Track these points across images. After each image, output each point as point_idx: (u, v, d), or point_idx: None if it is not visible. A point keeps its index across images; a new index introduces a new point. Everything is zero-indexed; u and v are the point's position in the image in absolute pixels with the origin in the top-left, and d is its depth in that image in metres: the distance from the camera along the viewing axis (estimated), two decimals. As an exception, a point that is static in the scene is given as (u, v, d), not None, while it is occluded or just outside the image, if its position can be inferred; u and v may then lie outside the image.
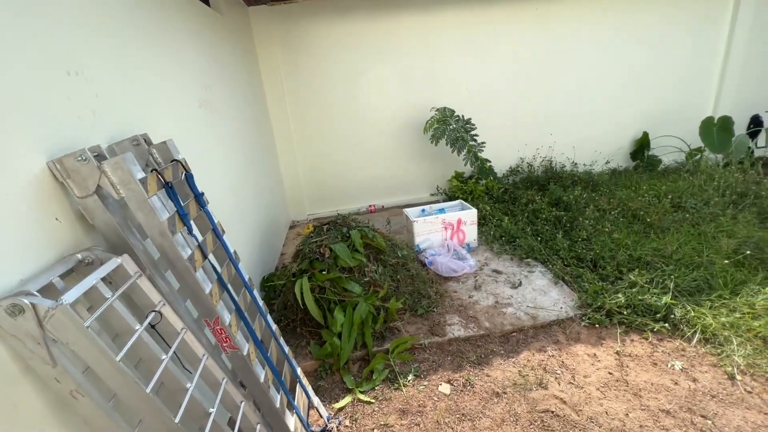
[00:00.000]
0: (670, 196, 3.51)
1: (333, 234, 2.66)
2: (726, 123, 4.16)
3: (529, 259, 3.06)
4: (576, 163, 5.03)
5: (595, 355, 2.05)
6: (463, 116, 4.31)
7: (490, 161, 4.48)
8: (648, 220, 3.13)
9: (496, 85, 4.61)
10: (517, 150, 4.95)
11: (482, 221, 3.81)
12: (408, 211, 3.54)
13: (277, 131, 4.34)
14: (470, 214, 3.32)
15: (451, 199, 4.62)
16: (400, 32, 4.23)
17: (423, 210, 3.58)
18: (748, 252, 2.48)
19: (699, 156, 4.74)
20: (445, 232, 3.32)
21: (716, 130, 4.19)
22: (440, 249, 3.22)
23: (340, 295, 2.34)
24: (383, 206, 4.82)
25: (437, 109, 4.24)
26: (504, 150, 4.90)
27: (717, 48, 4.86)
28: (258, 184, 3.33)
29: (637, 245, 2.81)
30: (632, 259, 2.68)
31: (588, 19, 4.51)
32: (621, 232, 3.01)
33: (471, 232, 3.37)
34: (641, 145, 5.01)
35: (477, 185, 4.48)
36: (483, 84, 4.58)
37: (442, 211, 3.50)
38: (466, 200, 4.42)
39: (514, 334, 2.27)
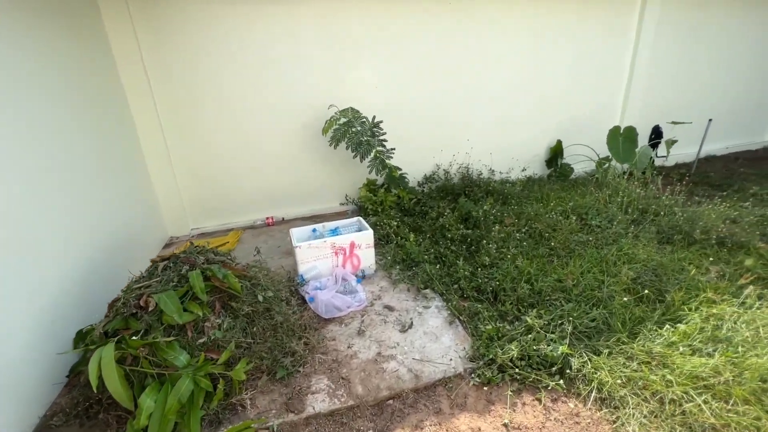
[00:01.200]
0: (576, 214, 3.34)
1: (168, 275, 2.02)
2: (630, 133, 4.15)
3: (427, 290, 2.66)
4: (493, 171, 4.82)
5: (479, 429, 1.67)
6: (372, 119, 3.82)
7: (401, 169, 4.06)
8: (552, 243, 2.89)
9: (411, 86, 4.19)
10: (433, 156, 4.60)
11: (386, 239, 3.37)
12: (294, 231, 2.98)
13: (141, 128, 3.50)
14: (365, 237, 2.85)
15: (360, 209, 4.15)
16: (299, 20, 3.60)
17: (314, 230, 3.04)
18: (646, 291, 2.29)
19: (607, 165, 4.76)
20: (335, 257, 2.81)
21: (622, 140, 4.18)
22: (327, 279, 2.71)
23: (161, 365, 1.72)
24: (283, 218, 4.20)
25: (341, 110, 3.70)
26: (419, 156, 4.52)
27: (624, 60, 4.91)
28: (86, 194, 2.54)
29: (539, 274, 2.53)
30: (533, 292, 2.39)
31: (506, 22, 4.25)
32: (525, 258, 2.73)
33: (367, 257, 2.91)
34: (555, 153, 4.93)
35: (388, 195, 4.04)
36: (396, 84, 4.13)
37: (335, 231, 2.99)
38: (376, 212, 3.98)
39: (391, 401, 1.83)
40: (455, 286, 2.61)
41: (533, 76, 4.60)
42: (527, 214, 3.31)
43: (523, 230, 3.10)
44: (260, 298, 2.09)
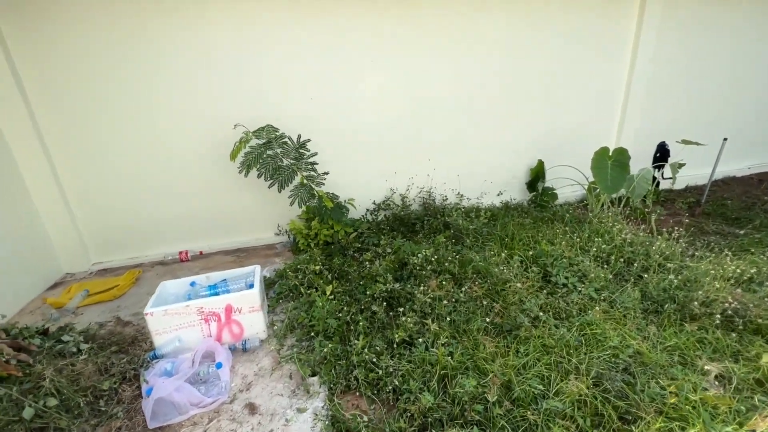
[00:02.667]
0: (539, 265, 2.59)
1: None
2: (621, 156, 3.37)
3: (314, 378, 1.97)
4: (461, 195, 4.09)
5: None
6: (297, 138, 3.16)
7: (338, 197, 3.38)
8: (495, 313, 2.16)
9: (357, 98, 3.51)
10: (386, 180, 3.90)
11: (296, 291, 2.69)
12: (166, 285, 2.34)
13: (15, 145, 2.93)
14: (248, 298, 2.18)
15: (295, 242, 3.49)
16: (208, 21, 2.98)
17: (192, 284, 2.40)
18: (607, 409, 1.54)
19: (598, 191, 3.98)
20: (206, 325, 2.15)
21: (611, 164, 3.39)
22: (183, 360, 2.04)
23: None
24: (201, 252, 3.57)
25: (254, 131, 3.04)
26: (370, 179, 3.84)
27: (620, 72, 4.12)
28: None
29: (460, 369, 1.80)
30: (442, 403, 1.67)
31: (476, 20, 3.54)
32: (450, 337, 2.01)
33: (253, 323, 2.23)
34: (536, 176, 4.17)
35: (323, 228, 3.37)
36: (337, 98, 3.46)
37: (213, 288, 2.33)
38: (308, 246, 3.32)
39: None
40: (353, 374, 1.92)
41: (508, 86, 3.86)
42: (475, 264, 2.58)
43: (462, 290, 2.37)
44: (27, 414, 1.45)
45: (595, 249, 2.64)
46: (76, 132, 3.06)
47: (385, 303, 2.41)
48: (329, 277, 2.80)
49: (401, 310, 2.22)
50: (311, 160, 3.19)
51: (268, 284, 2.90)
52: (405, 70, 3.53)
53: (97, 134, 3.10)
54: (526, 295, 2.28)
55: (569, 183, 4.26)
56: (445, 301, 2.22)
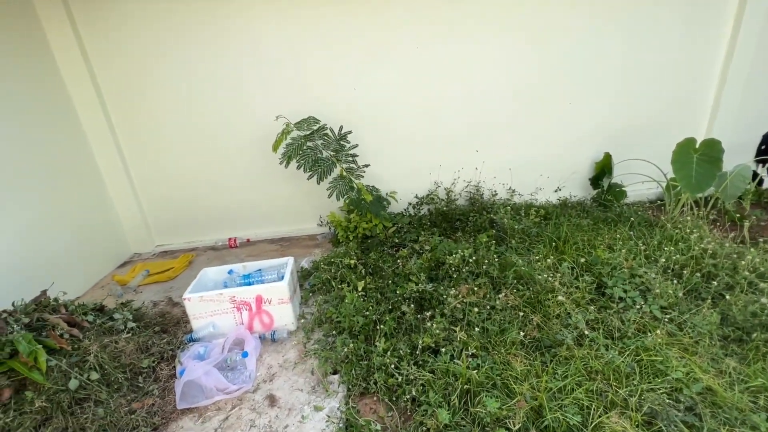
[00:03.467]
0: (593, 274, 2.28)
1: (-33, 345, 1.62)
2: (712, 149, 2.83)
3: (335, 377, 1.94)
4: (513, 190, 3.79)
5: None
6: (339, 129, 3.13)
7: (378, 189, 3.31)
8: (534, 326, 1.94)
9: (401, 87, 3.38)
10: (429, 172, 3.73)
11: (328, 285, 2.68)
12: (207, 271, 2.46)
13: (95, 142, 3.29)
14: (277, 290, 2.21)
15: (335, 235, 3.51)
16: (256, 16, 3.05)
17: (230, 271, 2.49)
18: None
19: (678, 189, 3.42)
20: (238, 313, 2.23)
21: (697, 159, 2.87)
22: (215, 345, 2.13)
23: None
24: (248, 239, 3.73)
25: (296, 122, 3.06)
26: (412, 172, 3.70)
27: (716, 43, 3.45)
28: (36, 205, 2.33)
29: (486, 385, 1.64)
30: (454, 428, 1.53)
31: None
32: (480, 348, 1.85)
33: (282, 315, 2.27)
34: (602, 171, 3.71)
35: (362, 221, 3.34)
36: (380, 88, 3.35)
37: (248, 278, 2.40)
38: (346, 239, 3.31)
39: None
40: (373, 377, 1.85)
41: (569, 68, 3.44)
42: (518, 268, 2.35)
43: (499, 297, 2.17)
44: (72, 384, 1.60)
45: (664, 259, 2.26)
46: (142, 128, 3.35)
47: (414, 304, 2.30)
48: (363, 272, 2.75)
49: (429, 314, 2.09)
50: (352, 151, 3.15)
51: (304, 275, 2.94)
52: (454, 56, 3.30)
53: (160, 130, 3.36)
54: (573, 308, 2.02)
55: (642, 179, 3.72)
56: (477, 308, 2.04)
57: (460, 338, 1.89)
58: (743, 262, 2.14)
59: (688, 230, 2.55)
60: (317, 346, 2.16)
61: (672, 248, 2.33)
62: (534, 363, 1.75)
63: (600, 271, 2.28)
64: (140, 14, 3.02)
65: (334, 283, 2.61)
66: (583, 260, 2.32)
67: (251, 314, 2.24)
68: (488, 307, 2.12)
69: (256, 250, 3.56)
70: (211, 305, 2.18)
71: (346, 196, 3.08)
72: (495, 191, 3.80)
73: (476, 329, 1.93)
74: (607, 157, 3.64)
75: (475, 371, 1.69)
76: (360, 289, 2.53)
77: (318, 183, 3.01)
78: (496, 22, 3.23)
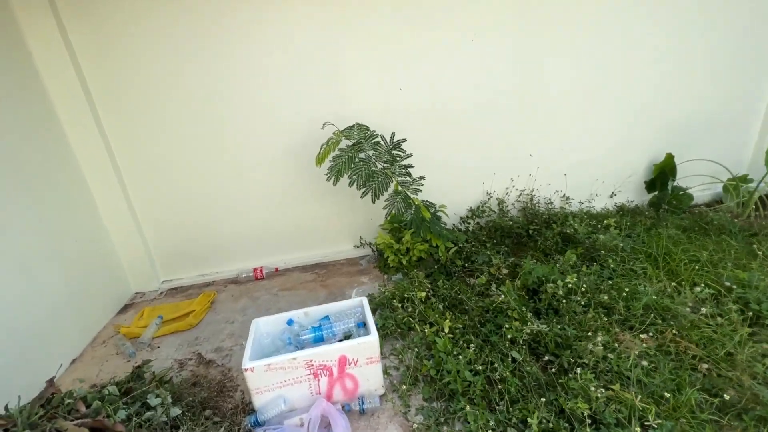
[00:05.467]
0: (732, 298, 1.93)
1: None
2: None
3: (469, 466, 1.46)
4: (568, 198, 3.43)
5: None
6: (391, 137, 2.65)
7: (434, 205, 2.85)
8: (702, 375, 1.54)
9: (448, 88, 2.95)
10: (482, 182, 3.32)
11: (402, 327, 2.18)
12: (259, 324, 1.91)
13: (83, 158, 2.64)
14: (366, 347, 1.70)
15: (382, 257, 3.01)
16: (286, 3, 2.53)
17: (289, 322, 1.95)
18: None
19: (745, 186, 3.19)
20: (315, 381, 1.70)
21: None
22: (292, 427, 1.60)
23: None
24: (277, 269, 3.16)
25: (341, 130, 2.56)
26: (462, 182, 3.28)
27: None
28: None
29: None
30: None
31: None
32: (657, 420, 1.43)
33: (371, 376, 1.76)
34: (662, 172, 3.42)
35: (416, 242, 2.86)
36: (425, 88, 2.91)
37: (317, 331, 1.87)
38: (399, 268, 2.83)
39: None
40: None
41: (625, 62, 3.13)
42: (646, 299, 1.96)
43: (641, 337, 1.76)
44: None
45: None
46: (142, 140, 2.73)
47: (527, 349, 1.86)
48: (441, 307, 2.28)
49: (568, 363, 1.66)
50: (405, 162, 2.68)
51: (364, 314, 2.43)
52: (508, 53, 2.91)
53: (164, 142, 2.75)
54: (741, 347, 1.65)
55: (702, 181, 3.48)
56: (644, 359, 1.61)
57: (629, 401, 1.46)
58: None
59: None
60: (423, 418, 1.67)
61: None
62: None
63: (741, 295, 1.93)
64: (141, 2, 2.43)
65: (416, 325, 2.12)
66: (728, 285, 1.95)
67: (331, 380, 1.71)
68: (638, 354, 1.70)
69: (289, 281, 3.01)
70: (280, 374, 1.64)
71: (401, 213, 2.59)
72: (550, 199, 3.43)
73: (638, 384, 1.51)
74: (670, 158, 3.36)
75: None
76: (447, 330, 2.07)
77: (373, 201, 2.51)
78: (559, 13, 2.86)
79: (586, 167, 3.43)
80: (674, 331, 1.77)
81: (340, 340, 1.86)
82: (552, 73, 3.04)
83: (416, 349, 2.02)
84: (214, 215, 3.01)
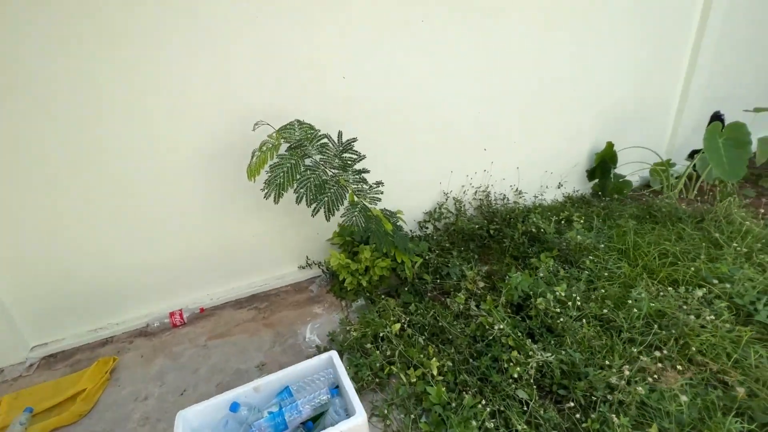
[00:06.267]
0: (716, 292, 1.88)
1: None
2: (738, 133, 2.73)
3: None
4: (520, 191, 3.30)
5: None
6: (338, 136, 2.15)
7: (394, 214, 2.44)
8: (723, 391, 1.40)
9: (398, 81, 2.53)
10: (439, 181, 3.01)
11: (380, 375, 1.77)
12: (186, 416, 1.32)
13: None
14: (350, 432, 1.24)
15: (336, 279, 2.53)
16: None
17: (234, 407, 1.39)
18: None
19: (667, 169, 3.37)
20: (283, 495, 1.19)
21: (723, 143, 2.75)
22: None
23: None
24: (202, 309, 2.48)
25: (278, 129, 2.00)
26: (417, 182, 2.92)
27: (684, 28, 3.44)
28: None
29: None
30: None
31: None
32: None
33: (357, 466, 1.31)
34: (603, 161, 3.47)
35: (376, 259, 2.44)
36: (375, 79, 2.46)
37: (278, 416, 1.36)
38: (358, 291, 2.39)
39: None
40: None
41: (571, 57, 3.06)
42: (645, 307, 1.80)
43: (650, 356, 1.58)
44: None
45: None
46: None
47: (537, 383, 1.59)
48: (421, 340, 1.91)
49: (584, 398, 1.40)
50: (359, 166, 2.21)
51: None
52: (464, 37, 2.60)
53: (17, 158, 1.89)
54: (748, 352, 1.55)
55: (635, 167, 3.62)
56: (681, 394, 1.39)
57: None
58: None
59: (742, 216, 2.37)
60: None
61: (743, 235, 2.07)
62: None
63: (727, 291, 1.88)
64: None
65: (401, 375, 1.71)
66: (716, 281, 1.89)
67: (306, 486, 1.23)
68: (648, 377, 1.51)
69: (220, 324, 2.36)
70: (230, 501, 1.11)
71: (362, 228, 2.14)
72: (504, 194, 3.27)
73: (667, 418, 1.31)
74: (610, 146, 3.41)
75: None
76: (436, 372, 1.70)
77: (328, 219, 2.00)
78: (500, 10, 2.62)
79: (536, 159, 3.33)
80: (667, 337, 1.63)
81: (310, 420, 1.37)
82: (501, 69, 2.81)
83: (404, 402, 1.63)
84: (103, 246, 2.21)
